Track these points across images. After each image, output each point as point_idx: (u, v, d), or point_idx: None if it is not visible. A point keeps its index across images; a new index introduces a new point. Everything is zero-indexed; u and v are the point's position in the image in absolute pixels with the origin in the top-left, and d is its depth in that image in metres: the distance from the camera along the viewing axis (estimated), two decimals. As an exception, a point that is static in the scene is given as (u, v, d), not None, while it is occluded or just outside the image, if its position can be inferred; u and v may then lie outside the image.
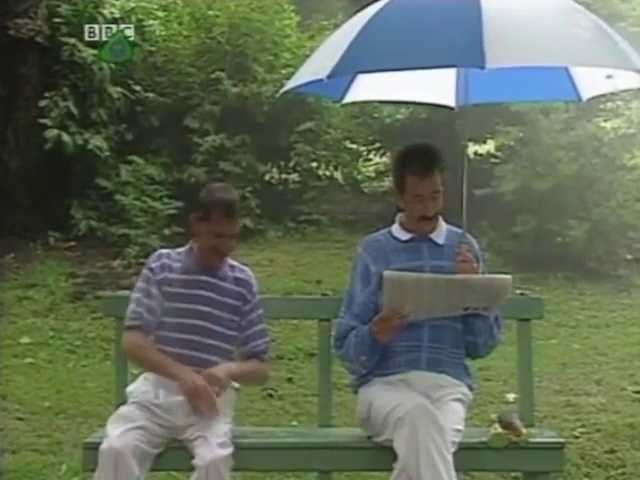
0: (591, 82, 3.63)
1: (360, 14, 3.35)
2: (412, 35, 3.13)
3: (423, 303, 3.40)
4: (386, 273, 3.39)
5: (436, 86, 3.69)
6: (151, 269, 3.59)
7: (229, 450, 3.29)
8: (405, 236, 3.58)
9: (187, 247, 3.66)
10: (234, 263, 3.68)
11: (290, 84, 3.54)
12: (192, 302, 3.54)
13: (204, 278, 3.57)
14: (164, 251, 3.68)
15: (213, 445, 3.27)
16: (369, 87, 3.85)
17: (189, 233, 3.67)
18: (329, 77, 3.13)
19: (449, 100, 3.84)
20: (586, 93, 3.72)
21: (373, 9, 3.31)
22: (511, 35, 3.05)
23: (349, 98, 3.91)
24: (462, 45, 3.02)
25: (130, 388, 3.56)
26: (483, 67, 2.92)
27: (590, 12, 3.37)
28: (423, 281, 3.39)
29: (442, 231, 3.60)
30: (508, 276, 3.48)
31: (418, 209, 3.54)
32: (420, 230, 3.57)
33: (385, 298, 3.40)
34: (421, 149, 3.61)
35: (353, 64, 3.20)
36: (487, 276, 3.49)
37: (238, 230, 3.61)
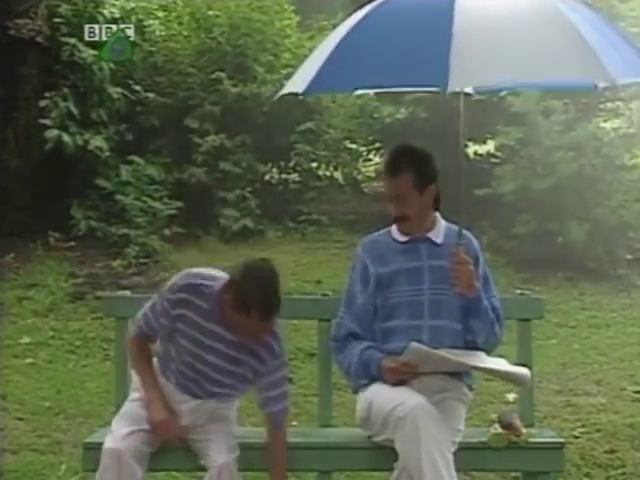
0: None
1: (341, 26, 3.39)
2: (382, 55, 3.15)
3: (441, 369, 3.43)
4: (413, 346, 3.35)
5: None
6: (170, 301, 3.34)
7: (237, 452, 3.35)
8: (403, 237, 3.58)
9: (219, 289, 3.32)
10: None
11: (282, 91, 3.57)
12: (203, 349, 3.36)
13: (221, 331, 3.34)
14: (189, 282, 3.34)
15: (223, 448, 3.33)
16: None
17: (223, 293, 3.28)
18: (304, 94, 3.24)
19: (467, 88, 3.81)
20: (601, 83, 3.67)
21: (350, 24, 3.32)
22: (479, 53, 3.01)
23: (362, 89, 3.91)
24: (427, 65, 3.02)
25: (134, 375, 3.54)
26: (445, 90, 2.92)
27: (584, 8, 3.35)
28: (449, 361, 3.38)
29: (440, 230, 3.59)
30: (527, 371, 3.48)
31: (390, 209, 3.56)
32: (407, 231, 3.56)
33: (404, 359, 3.38)
34: (395, 150, 3.62)
35: (324, 83, 3.24)
36: (509, 369, 3.47)
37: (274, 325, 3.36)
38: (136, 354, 3.50)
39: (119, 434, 3.29)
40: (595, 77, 3.25)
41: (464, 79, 3.03)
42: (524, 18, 3.17)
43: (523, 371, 3.47)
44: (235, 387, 3.46)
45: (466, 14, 3.08)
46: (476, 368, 3.48)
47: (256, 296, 3.22)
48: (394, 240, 3.60)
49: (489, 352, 3.56)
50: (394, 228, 3.62)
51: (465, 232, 3.55)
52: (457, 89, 3.03)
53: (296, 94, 3.35)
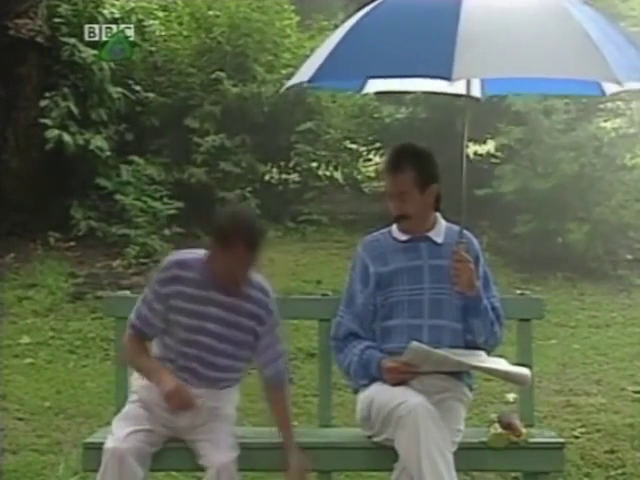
0: None
1: (349, 20, 3.41)
2: (388, 44, 3.17)
3: (441, 369, 3.42)
4: (413, 345, 3.35)
5: None
6: (159, 281, 3.40)
7: (237, 452, 3.34)
8: (404, 236, 3.58)
9: (204, 257, 3.40)
10: (251, 277, 3.45)
11: (289, 83, 3.59)
12: (202, 319, 3.37)
13: (217, 296, 3.38)
14: (174, 259, 3.44)
15: (223, 448, 3.32)
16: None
17: (208, 251, 3.37)
18: (309, 82, 3.25)
19: (474, 90, 3.81)
20: (609, 87, 3.64)
21: (359, 15, 3.36)
22: (485, 46, 3.02)
23: (368, 89, 3.92)
24: (433, 55, 3.04)
25: (134, 380, 3.54)
26: (449, 79, 2.93)
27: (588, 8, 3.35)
28: (449, 361, 3.37)
29: (441, 230, 3.60)
30: (527, 371, 3.48)
31: (391, 207, 3.55)
32: (407, 230, 3.56)
33: (405, 358, 3.39)
34: (397, 147, 3.63)
35: (331, 72, 3.26)
36: (509, 369, 3.48)
37: (259, 258, 3.35)
38: (132, 350, 3.49)
39: (120, 434, 3.30)
40: (601, 77, 3.25)
41: (468, 70, 3.04)
42: (531, 15, 3.18)
43: (523, 371, 3.47)
44: (238, 357, 3.45)
45: (473, 8, 3.10)
46: (476, 368, 3.48)
47: (238, 225, 3.31)
48: (394, 239, 3.60)
49: (489, 352, 3.56)
50: (394, 227, 3.62)
51: (465, 232, 3.56)
52: (461, 78, 3.05)
53: (302, 84, 3.36)
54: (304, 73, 3.33)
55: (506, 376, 3.53)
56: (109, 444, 3.27)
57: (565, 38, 3.12)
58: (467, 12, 3.08)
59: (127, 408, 3.47)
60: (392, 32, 3.20)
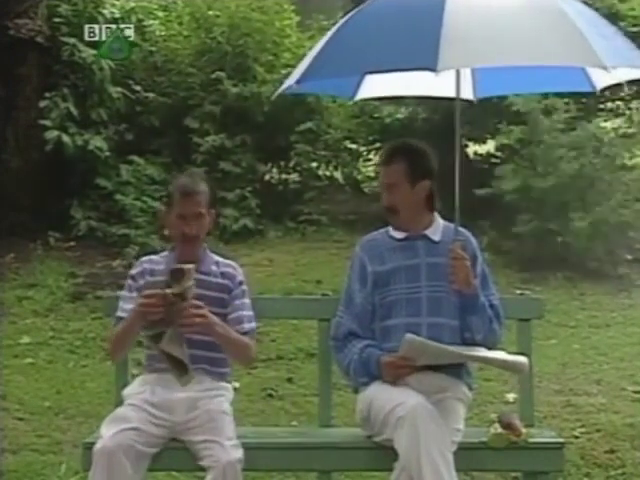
0: (601, 72, 3.59)
1: (335, 26, 3.46)
2: (373, 40, 3.22)
3: (439, 362, 3.42)
4: (408, 337, 3.36)
5: (453, 80, 3.59)
6: (132, 276, 3.62)
7: (241, 451, 3.32)
8: (401, 234, 3.59)
9: (169, 248, 3.67)
10: (219, 259, 3.67)
11: (280, 89, 3.62)
12: None
13: None
14: (145, 258, 3.70)
15: (227, 447, 3.29)
16: (381, 83, 3.87)
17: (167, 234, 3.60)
18: (297, 83, 3.31)
19: (467, 93, 3.83)
20: (599, 83, 3.68)
21: (345, 18, 3.42)
22: (470, 36, 3.05)
23: (361, 95, 3.94)
24: (418, 48, 3.07)
25: (126, 391, 3.57)
26: (435, 70, 2.95)
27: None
28: (446, 352, 3.37)
29: (438, 228, 3.61)
30: (524, 359, 3.48)
31: (383, 200, 3.59)
32: (399, 227, 3.58)
33: (401, 352, 3.39)
34: (392, 142, 3.69)
35: (317, 71, 3.31)
36: (505, 357, 3.48)
37: (204, 211, 3.57)
38: (111, 336, 3.56)
39: (107, 435, 3.29)
40: (588, 63, 3.27)
41: (454, 60, 3.07)
42: (516, 5, 3.23)
43: (520, 359, 3.47)
44: None
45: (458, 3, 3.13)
46: (473, 358, 3.47)
47: (174, 184, 3.63)
48: (391, 237, 3.61)
49: (490, 348, 3.56)
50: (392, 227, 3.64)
51: (463, 230, 3.56)
52: (447, 69, 3.10)
53: (291, 86, 3.39)
54: (294, 76, 3.38)
55: (504, 365, 3.52)
56: (97, 446, 3.26)
57: (551, 27, 3.16)
58: (452, 4, 3.11)
59: (115, 411, 3.47)
60: (378, 29, 3.24)
